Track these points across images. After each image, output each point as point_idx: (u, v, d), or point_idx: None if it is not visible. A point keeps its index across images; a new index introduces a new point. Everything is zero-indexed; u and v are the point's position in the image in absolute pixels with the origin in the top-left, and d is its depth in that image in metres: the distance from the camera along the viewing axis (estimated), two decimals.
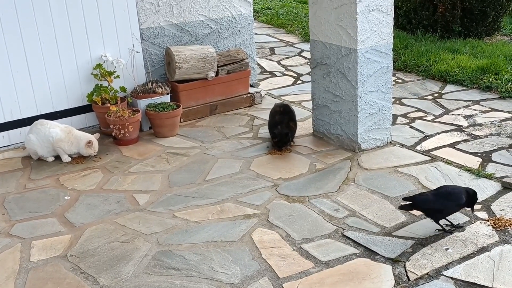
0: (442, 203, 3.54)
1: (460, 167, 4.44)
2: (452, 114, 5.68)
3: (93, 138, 4.81)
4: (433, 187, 4.10)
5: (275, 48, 8.32)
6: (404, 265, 3.31)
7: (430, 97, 6.22)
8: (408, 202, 3.66)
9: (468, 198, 3.58)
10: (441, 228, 3.60)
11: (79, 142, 4.76)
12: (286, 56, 7.93)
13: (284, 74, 7.21)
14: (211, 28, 5.96)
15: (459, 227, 3.63)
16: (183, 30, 5.79)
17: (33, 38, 5.05)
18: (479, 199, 3.97)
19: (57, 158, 4.85)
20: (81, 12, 5.21)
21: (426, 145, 4.96)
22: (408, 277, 3.21)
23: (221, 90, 5.77)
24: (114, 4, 5.35)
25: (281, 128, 4.80)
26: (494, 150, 4.78)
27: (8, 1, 4.88)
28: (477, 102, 5.98)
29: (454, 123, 5.46)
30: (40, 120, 4.87)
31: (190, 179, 4.46)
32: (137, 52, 5.50)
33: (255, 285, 3.19)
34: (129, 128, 5.02)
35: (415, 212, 3.78)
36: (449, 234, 3.58)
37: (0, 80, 4.99)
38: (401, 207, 3.71)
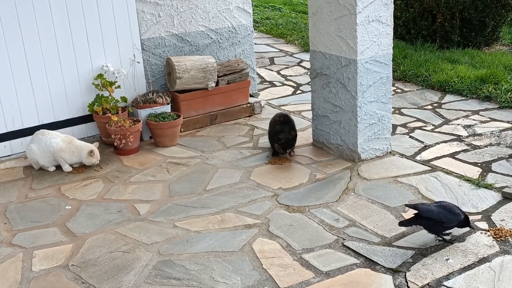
0: (445, 216, 3.53)
1: (460, 177, 4.45)
2: (452, 124, 5.70)
3: (94, 147, 4.84)
4: (433, 197, 4.13)
5: (274, 58, 8.35)
6: (405, 275, 3.31)
7: (429, 107, 6.24)
8: (410, 217, 3.64)
9: (465, 218, 3.59)
10: (442, 239, 3.61)
11: (80, 152, 4.79)
12: (286, 66, 7.97)
13: (283, 84, 7.23)
14: (212, 38, 5.99)
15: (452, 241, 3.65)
16: (183, 40, 5.82)
17: (35, 49, 5.07)
18: (479, 209, 3.99)
19: (58, 167, 4.87)
20: (82, 23, 5.24)
21: (426, 155, 4.97)
22: (408, 287, 3.22)
23: (221, 100, 5.80)
24: (115, 15, 5.39)
25: (286, 134, 4.83)
26: (494, 160, 4.80)
27: (10, 12, 4.91)
28: (476, 112, 5.99)
29: (453, 133, 5.47)
30: (41, 130, 4.89)
31: (190, 188, 4.47)
32: (138, 62, 5.53)
33: None
34: (130, 137, 5.04)
35: None
36: (449, 244, 3.58)
37: (2, 90, 5.02)
38: (401, 224, 3.67)
